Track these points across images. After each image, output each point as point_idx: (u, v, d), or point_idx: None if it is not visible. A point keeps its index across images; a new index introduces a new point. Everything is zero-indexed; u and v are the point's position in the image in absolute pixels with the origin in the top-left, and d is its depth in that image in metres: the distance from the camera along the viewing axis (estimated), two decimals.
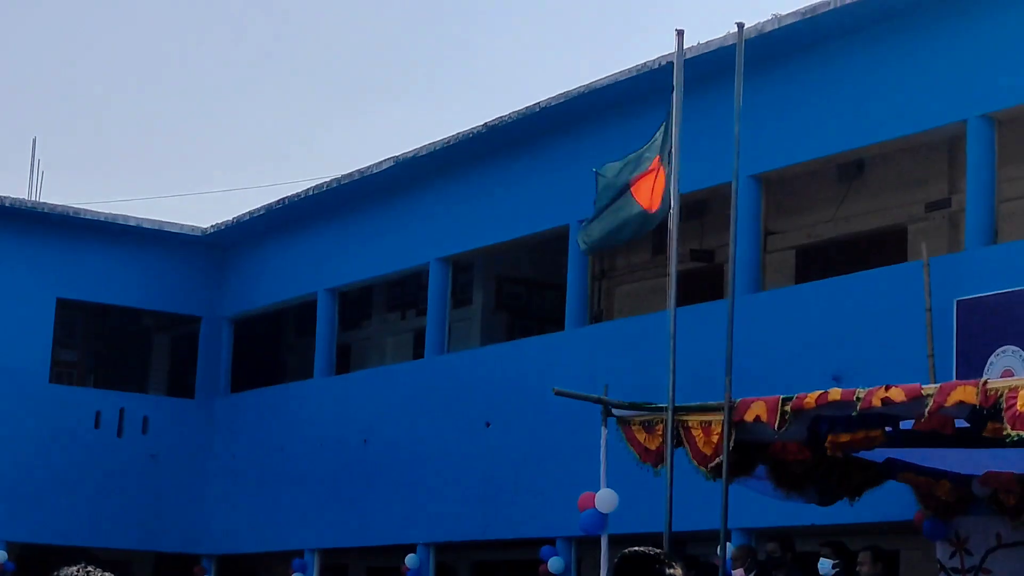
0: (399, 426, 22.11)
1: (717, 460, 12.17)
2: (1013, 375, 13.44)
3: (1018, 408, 9.74)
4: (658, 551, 5.25)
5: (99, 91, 54.65)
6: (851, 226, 19.27)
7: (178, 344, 28.97)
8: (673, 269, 13.38)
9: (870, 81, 16.48)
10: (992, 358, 14.15)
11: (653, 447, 12.74)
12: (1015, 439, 9.77)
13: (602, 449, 13.31)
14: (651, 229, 13.98)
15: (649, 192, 13.40)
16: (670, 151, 13.09)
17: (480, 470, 20.46)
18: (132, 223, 26.27)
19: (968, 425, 10.43)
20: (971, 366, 14.14)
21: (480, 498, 20.41)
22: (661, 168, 13.24)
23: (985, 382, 10.19)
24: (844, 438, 11.43)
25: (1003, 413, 9.86)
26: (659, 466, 12.76)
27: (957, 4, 15.63)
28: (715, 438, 12.25)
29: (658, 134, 13.38)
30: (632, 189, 13.45)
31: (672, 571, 5.23)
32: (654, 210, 13.40)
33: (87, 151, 54.08)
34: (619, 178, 13.59)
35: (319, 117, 54.71)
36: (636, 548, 5.29)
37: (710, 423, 12.34)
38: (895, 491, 13.68)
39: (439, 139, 21.58)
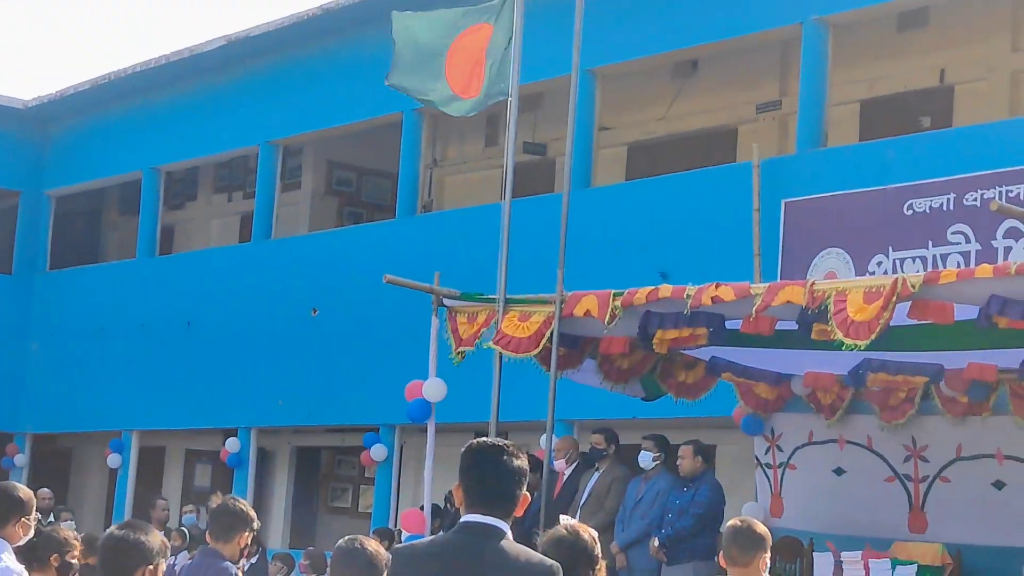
0: (223, 310, 21.90)
1: (527, 346, 12.20)
2: (836, 277, 13.72)
3: (848, 314, 9.91)
4: (506, 442, 5.28)
5: None
6: (683, 124, 19.43)
7: None
8: (510, 160, 13.36)
9: None
10: (816, 259, 14.43)
11: (465, 336, 12.78)
12: (849, 347, 9.95)
13: (432, 339, 13.32)
14: (456, 115, 13.82)
15: (467, 75, 13.22)
16: (511, 39, 12.98)
17: (305, 356, 20.37)
18: None
19: (794, 327, 10.60)
20: (796, 267, 14.41)
21: (305, 384, 20.35)
22: (486, 37, 13.06)
23: (812, 283, 10.35)
24: (672, 334, 11.55)
25: (831, 317, 10.03)
26: (466, 348, 12.76)
27: None
28: (532, 327, 12.29)
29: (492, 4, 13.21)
30: (447, 62, 13.26)
31: (518, 462, 5.28)
32: (467, 97, 13.28)
33: None
34: (432, 39, 13.38)
35: None
36: (483, 438, 5.32)
37: (529, 314, 12.39)
38: (717, 387, 13.91)
39: (274, 19, 21.22)
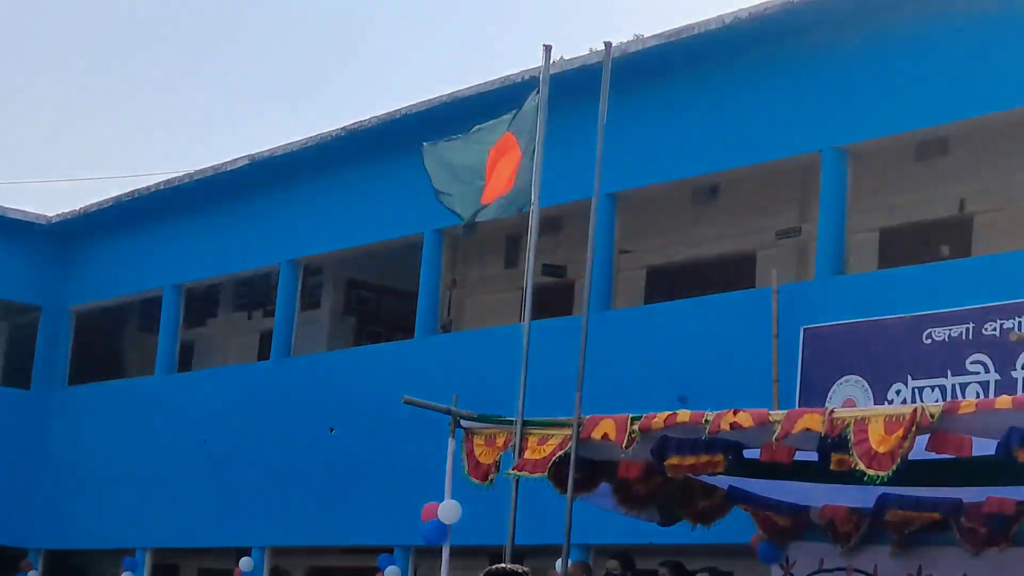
0: (240, 428, 21.86)
1: (542, 466, 12.15)
2: (855, 404, 13.67)
3: (870, 444, 9.85)
4: (523, 568, 5.25)
5: None
6: (702, 249, 19.47)
7: (17, 333, 28.33)
8: (529, 282, 13.39)
9: (728, 107, 16.68)
10: (835, 387, 14.38)
11: (487, 461, 12.73)
12: (871, 479, 9.86)
13: (448, 460, 13.26)
14: (507, 215, 13.76)
15: (505, 174, 13.31)
16: (533, 152, 13.07)
17: (321, 476, 20.29)
18: None
19: (813, 457, 10.54)
20: (814, 394, 14.36)
21: (320, 503, 20.25)
22: (516, 149, 13.17)
23: (831, 411, 10.31)
24: (688, 461, 11.50)
25: (851, 447, 9.95)
26: (485, 481, 12.73)
27: (816, 37, 15.88)
28: (548, 449, 12.26)
29: (506, 116, 13.34)
30: (487, 170, 13.36)
31: None
32: (507, 192, 13.33)
33: None
34: (466, 155, 13.48)
35: (173, 113, 54.03)
36: (500, 564, 5.30)
37: (547, 436, 12.35)
38: (733, 513, 13.83)
39: (297, 140, 21.42)
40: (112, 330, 28.30)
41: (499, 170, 13.34)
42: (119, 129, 53.58)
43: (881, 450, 9.79)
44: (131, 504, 23.39)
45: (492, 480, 12.71)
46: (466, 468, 12.86)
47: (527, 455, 12.33)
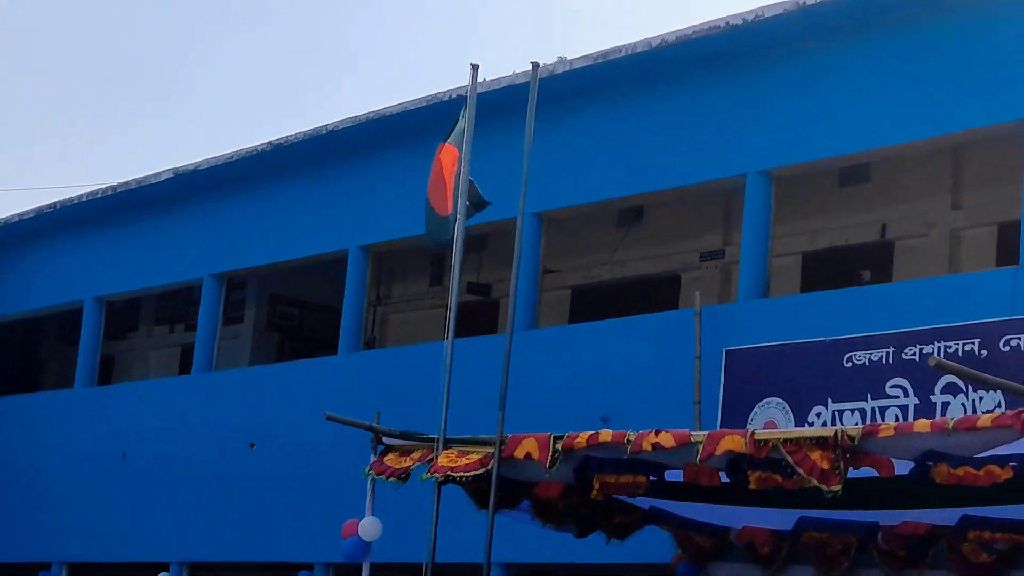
0: (160, 442, 21.70)
1: (474, 471, 12.16)
2: (776, 426, 13.77)
3: (814, 462, 9.91)
4: None
5: None
6: (627, 270, 19.58)
7: None
8: (454, 300, 13.39)
9: (653, 130, 16.77)
10: (756, 408, 14.48)
11: (397, 466, 12.73)
12: (828, 493, 9.92)
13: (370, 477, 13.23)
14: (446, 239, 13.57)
15: (442, 189, 13.25)
16: (459, 171, 13.07)
17: (242, 492, 20.18)
18: None
19: (731, 478, 10.61)
20: (736, 415, 14.45)
21: (240, 519, 20.13)
22: (448, 162, 13.12)
23: (752, 432, 10.39)
24: (610, 479, 11.54)
25: (793, 467, 9.98)
26: (399, 478, 12.72)
27: (741, 61, 16.00)
28: (473, 459, 12.26)
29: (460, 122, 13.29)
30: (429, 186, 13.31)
31: None
32: (447, 214, 13.28)
33: None
34: None
35: (96, 124, 53.60)
36: None
37: (468, 452, 12.36)
38: (655, 533, 13.88)
39: (221, 154, 21.33)
40: (31, 342, 28.03)
41: (442, 178, 13.30)
42: (42, 140, 53.10)
43: (825, 466, 9.88)
44: (48, 518, 23.15)
45: (405, 478, 12.67)
46: (377, 474, 12.83)
47: (443, 462, 12.31)
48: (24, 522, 23.61)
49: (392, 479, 12.73)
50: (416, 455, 12.73)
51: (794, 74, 15.63)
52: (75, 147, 52.98)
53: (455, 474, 12.21)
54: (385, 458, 12.90)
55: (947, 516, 11.32)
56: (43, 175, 52.65)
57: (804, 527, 12.24)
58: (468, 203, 13.25)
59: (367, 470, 12.75)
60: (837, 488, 9.87)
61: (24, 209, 24.83)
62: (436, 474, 12.25)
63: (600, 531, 13.62)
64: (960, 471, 9.65)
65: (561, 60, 17.24)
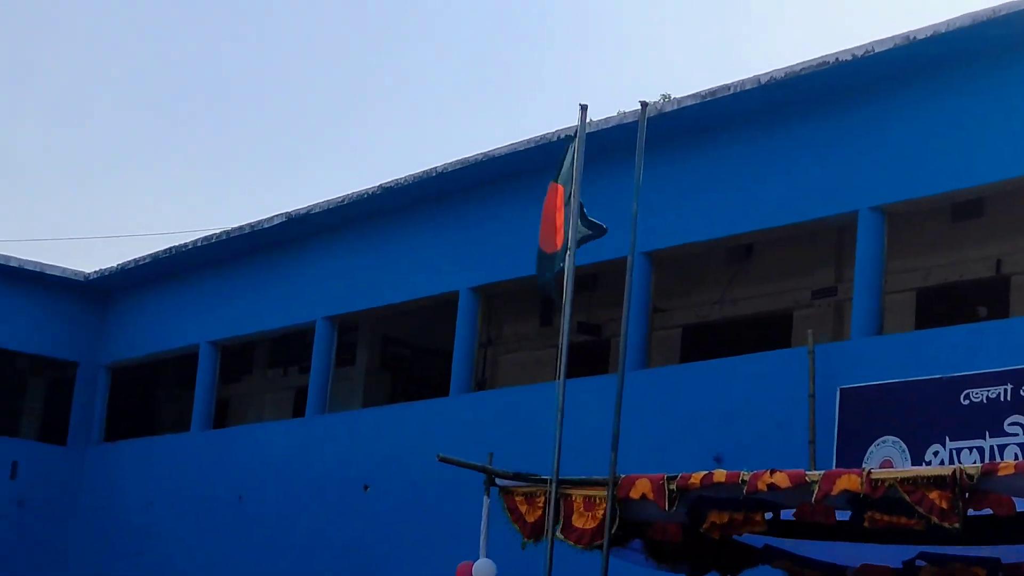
0: (275, 485, 21.88)
1: (593, 537, 12.11)
2: (892, 465, 13.60)
3: (936, 502, 9.79)
4: None
5: None
6: (738, 309, 19.47)
7: (53, 389, 28.49)
8: (565, 340, 13.37)
9: (764, 167, 16.71)
10: (872, 447, 14.31)
11: (531, 519, 12.70)
12: (950, 530, 9.84)
13: (483, 518, 13.21)
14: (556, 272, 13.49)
15: (550, 227, 13.20)
16: (569, 201, 13.03)
17: (355, 533, 20.28)
18: (13, 264, 25.90)
19: (847, 516, 10.50)
20: (851, 455, 14.29)
21: (354, 560, 20.22)
22: (560, 204, 13.07)
23: (869, 472, 10.27)
24: (724, 518, 11.45)
25: (916, 507, 9.87)
26: (537, 540, 12.70)
27: (854, 97, 15.91)
28: (599, 514, 12.21)
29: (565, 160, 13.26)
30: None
31: None
32: (554, 250, 13.21)
33: None
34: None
35: (211, 170, 54.38)
36: None
37: (594, 499, 12.29)
38: (768, 573, 13.73)
39: (333, 198, 21.54)
40: (148, 386, 28.41)
41: (551, 216, 13.26)
42: (158, 186, 53.95)
43: (944, 506, 9.77)
44: (164, 560, 23.39)
45: (540, 539, 12.66)
46: (511, 519, 12.80)
47: (575, 521, 12.26)
48: (141, 566, 23.87)
49: (529, 541, 12.70)
50: (541, 501, 12.65)
51: (904, 109, 15.50)
52: (190, 193, 53.80)
53: (579, 545, 12.17)
54: (515, 500, 12.81)
55: None
56: (159, 221, 53.46)
57: (925, 562, 12.03)
58: (584, 229, 13.13)
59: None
60: (958, 525, 9.74)
61: (140, 255, 25.23)
62: (578, 544, 12.21)
63: (715, 571, 13.50)
64: None
65: (666, 99, 17.22)
